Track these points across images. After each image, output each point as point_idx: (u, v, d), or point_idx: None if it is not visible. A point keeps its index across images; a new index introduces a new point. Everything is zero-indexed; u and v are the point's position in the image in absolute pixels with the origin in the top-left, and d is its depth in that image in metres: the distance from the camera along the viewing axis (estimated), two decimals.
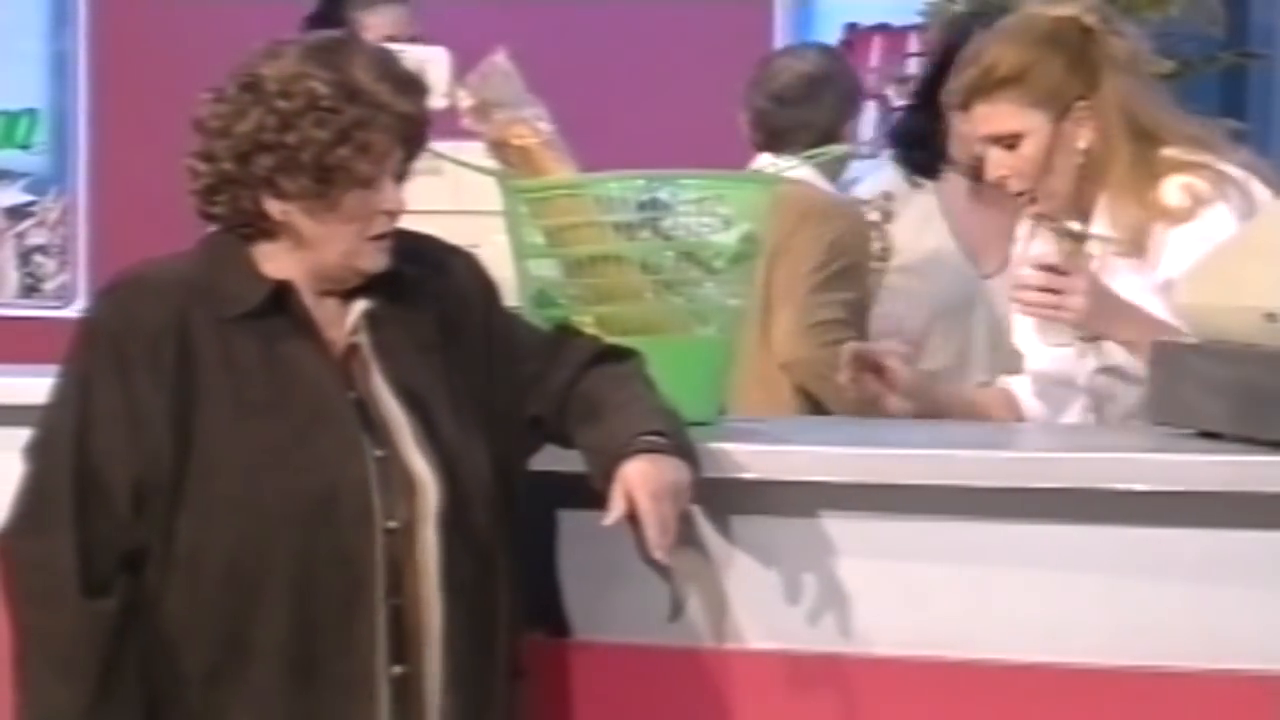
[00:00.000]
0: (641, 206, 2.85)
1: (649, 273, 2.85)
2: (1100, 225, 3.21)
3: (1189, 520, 2.64)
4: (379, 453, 2.51)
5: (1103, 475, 2.66)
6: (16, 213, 6.66)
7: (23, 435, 2.55)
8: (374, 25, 4.28)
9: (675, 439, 2.55)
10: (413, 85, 2.53)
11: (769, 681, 2.74)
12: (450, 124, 2.93)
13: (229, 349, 2.50)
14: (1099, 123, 3.19)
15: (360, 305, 2.56)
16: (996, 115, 3.20)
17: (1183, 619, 2.65)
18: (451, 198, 2.90)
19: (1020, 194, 3.24)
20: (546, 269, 2.90)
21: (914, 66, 5.72)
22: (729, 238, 2.87)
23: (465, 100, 2.87)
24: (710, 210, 2.87)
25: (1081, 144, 3.19)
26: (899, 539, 2.71)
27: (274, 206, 2.51)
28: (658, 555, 2.49)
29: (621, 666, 2.77)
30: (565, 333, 2.73)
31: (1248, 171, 3.19)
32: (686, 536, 2.61)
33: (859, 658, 2.71)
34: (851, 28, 6.36)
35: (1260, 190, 3.17)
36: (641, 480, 2.49)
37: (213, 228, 2.58)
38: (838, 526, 2.72)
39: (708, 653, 2.75)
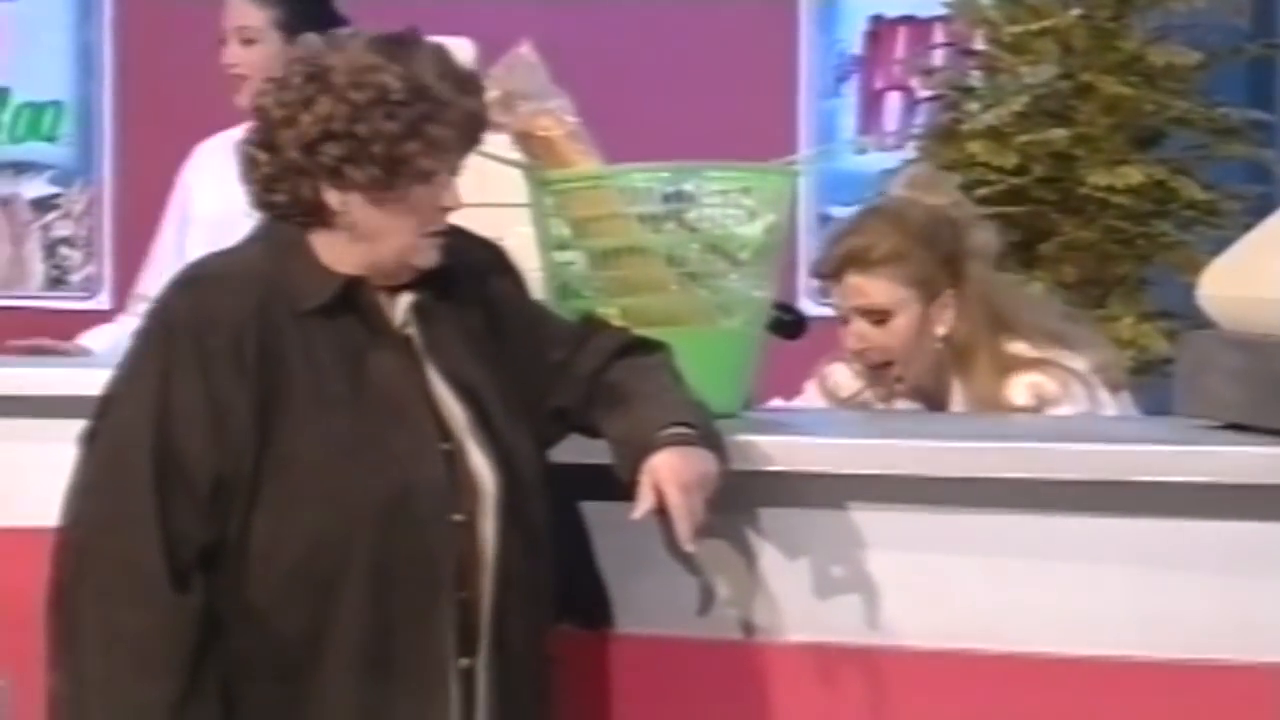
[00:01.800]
0: (666, 198, 2.85)
1: (674, 265, 2.85)
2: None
3: (1215, 512, 2.63)
4: (445, 446, 2.52)
5: (1129, 467, 2.65)
6: (42, 205, 6.65)
7: (51, 425, 2.54)
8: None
9: (703, 430, 2.54)
10: (473, 83, 2.55)
11: (796, 674, 2.74)
12: None
13: (308, 343, 2.50)
14: (962, 312, 3.31)
15: (407, 298, 2.56)
16: (870, 288, 3.31)
17: (1210, 611, 2.64)
18: (476, 190, 2.89)
19: (876, 367, 3.33)
20: (572, 261, 2.89)
21: (939, 58, 5.72)
22: (754, 229, 2.86)
23: (490, 92, 2.80)
24: (735, 202, 2.87)
25: (941, 329, 3.31)
26: (926, 531, 2.71)
27: (334, 197, 2.51)
28: (688, 547, 2.50)
29: (648, 658, 2.77)
30: (592, 324, 2.74)
31: (1098, 370, 3.31)
32: (715, 528, 2.61)
33: (887, 650, 2.71)
34: (877, 19, 6.35)
35: (1104, 394, 3.30)
36: (670, 473, 2.49)
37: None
38: (864, 519, 2.72)
39: (734, 645, 2.75)
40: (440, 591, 2.48)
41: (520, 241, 2.84)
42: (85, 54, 6.57)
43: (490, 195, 2.91)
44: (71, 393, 2.74)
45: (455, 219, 2.63)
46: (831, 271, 3.34)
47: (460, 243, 2.62)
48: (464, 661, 2.50)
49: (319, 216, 2.53)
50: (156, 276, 3.98)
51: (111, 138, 6.58)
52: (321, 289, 2.52)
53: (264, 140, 2.53)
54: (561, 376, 2.64)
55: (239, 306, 2.50)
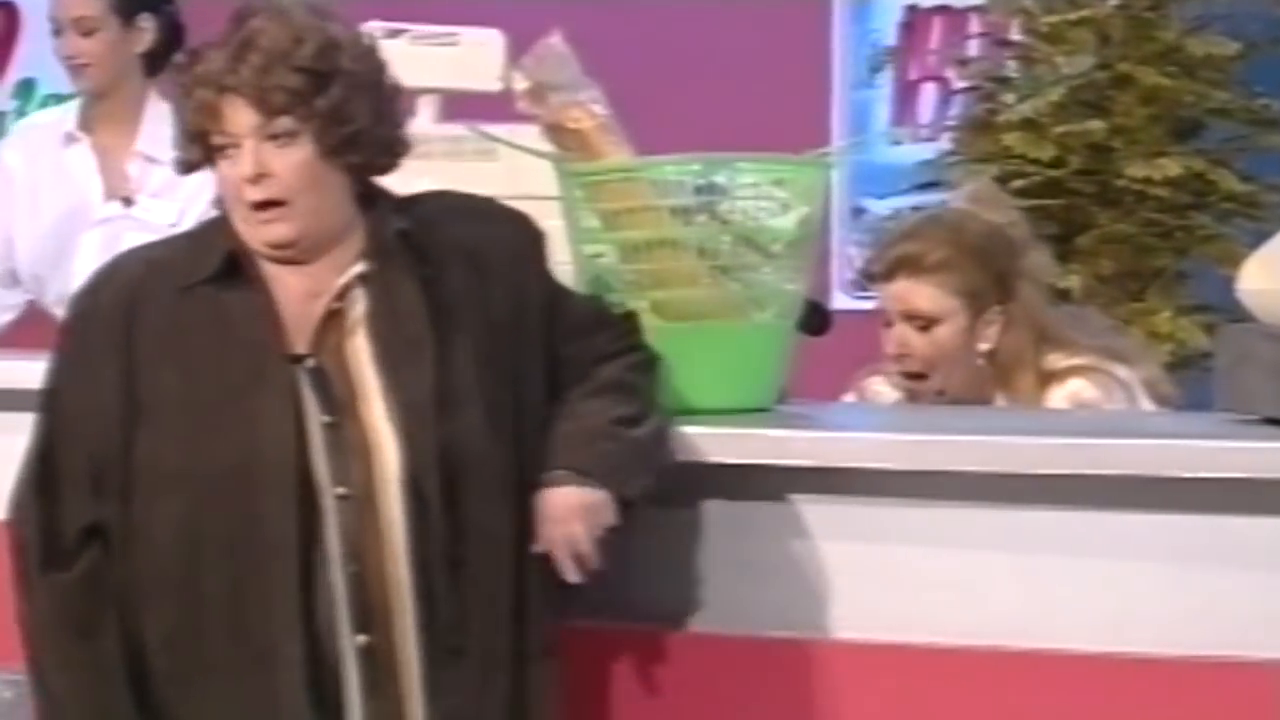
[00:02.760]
0: (698, 190, 2.83)
1: (706, 257, 2.83)
2: None
3: (1255, 508, 2.62)
4: (327, 419, 2.49)
5: (1167, 462, 2.64)
6: None
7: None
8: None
9: (592, 468, 2.54)
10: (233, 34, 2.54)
11: (826, 671, 2.73)
12: (505, 107, 2.94)
13: (178, 317, 2.52)
14: (1009, 329, 3.32)
15: (356, 269, 2.54)
16: (918, 294, 3.32)
17: (1247, 608, 2.63)
18: (506, 182, 2.88)
19: (913, 375, 3.33)
20: (602, 254, 2.87)
21: (975, 48, 5.70)
22: (786, 221, 2.85)
23: (520, 83, 2.85)
24: (768, 194, 2.85)
25: (985, 345, 3.32)
26: (958, 527, 2.70)
27: None
28: (571, 578, 2.52)
29: (692, 655, 2.77)
30: (599, 318, 2.71)
31: (1146, 384, 3.32)
32: (736, 524, 2.61)
33: (919, 648, 2.70)
34: (911, 9, 6.33)
35: (1146, 402, 3.30)
36: (549, 509, 2.53)
37: None
38: (897, 514, 2.71)
39: (760, 641, 2.75)
40: (283, 561, 2.46)
41: (550, 234, 2.81)
42: None
43: (520, 187, 2.91)
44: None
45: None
46: (883, 273, 3.36)
47: (476, 210, 2.62)
48: (360, 638, 2.48)
49: None
50: None
51: None
52: (204, 263, 2.53)
53: None
54: (563, 371, 2.63)
55: (118, 289, 2.54)
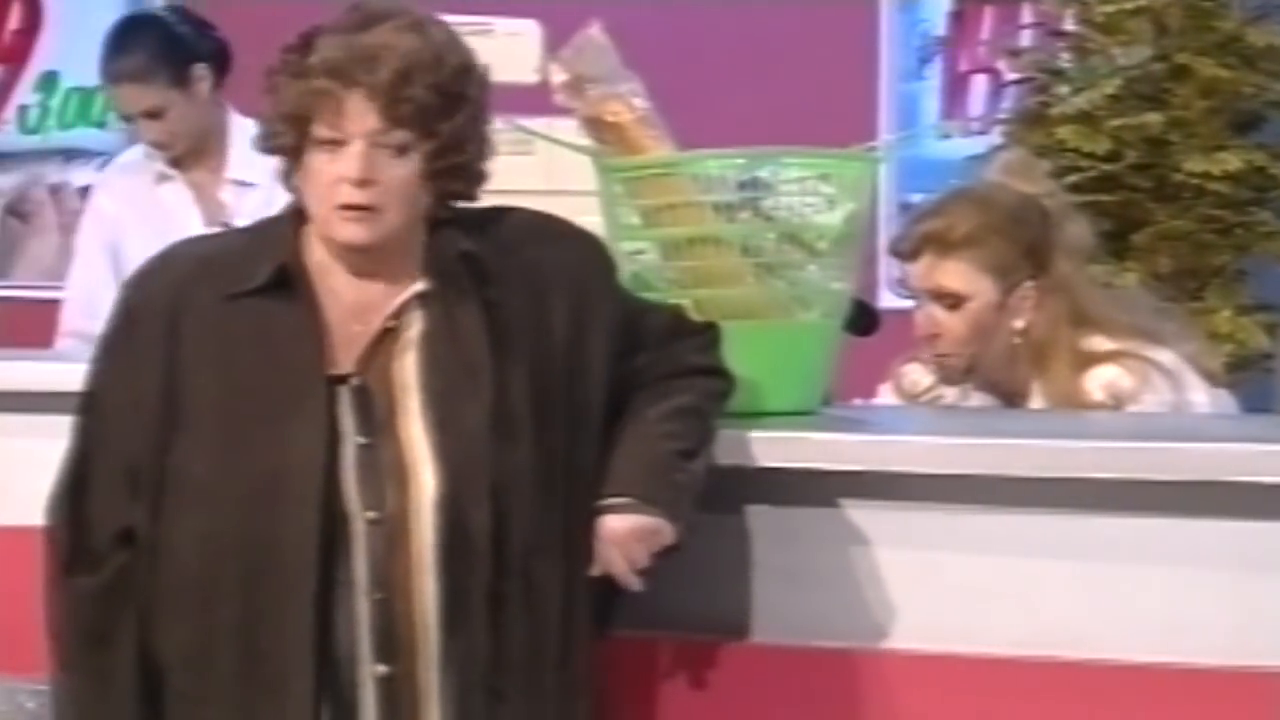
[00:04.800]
0: (742, 186, 2.81)
1: (749, 255, 2.81)
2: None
3: None
4: (362, 440, 2.46)
5: (1227, 467, 2.59)
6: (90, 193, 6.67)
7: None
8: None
9: (648, 496, 2.53)
10: (342, 29, 2.50)
11: (875, 681, 2.70)
12: (542, 100, 2.92)
13: (222, 328, 2.49)
14: (1043, 306, 3.25)
15: (417, 287, 2.51)
16: (944, 271, 3.26)
17: None
18: (544, 177, 2.88)
19: (943, 355, 3.28)
20: (642, 251, 2.85)
21: (1027, 39, 5.66)
22: (833, 218, 2.82)
23: (558, 75, 2.82)
24: (813, 190, 2.82)
25: (1019, 323, 3.25)
26: (1011, 533, 2.66)
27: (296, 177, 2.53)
28: (634, 587, 2.54)
29: (735, 666, 2.74)
30: (677, 326, 2.68)
31: (1189, 360, 3.25)
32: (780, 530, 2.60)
33: (970, 658, 2.67)
34: None
35: (1193, 379, 3.23)
36: (608, 534, 2.53)
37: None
38: (948, 520, 2.68)
39: (808, 651, 2.72)
40: (301, 585, 2.42)
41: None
42: None
43: (558, 183, 2.90)
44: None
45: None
46: (909, 250, 3.31)
47: (543, 230, 2.59)
48: (381, 668, 2.44)
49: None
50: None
51: None
52: (256, 272, 2.50)
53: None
54: (639, 379, 2.61)
55: (162, 288, 2.51)
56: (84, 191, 6.63)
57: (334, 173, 2.45)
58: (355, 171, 2.43)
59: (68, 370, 2.66)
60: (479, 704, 2.47)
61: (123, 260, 4.20)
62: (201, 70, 4.31)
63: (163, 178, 4.37)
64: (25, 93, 6.71)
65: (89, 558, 2.50)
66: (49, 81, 6.68)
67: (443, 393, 2.47)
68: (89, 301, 4.15)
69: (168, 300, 2.50)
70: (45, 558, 2.54)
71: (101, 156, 6.57)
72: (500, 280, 2.52)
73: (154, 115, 4.30)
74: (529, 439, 2.48)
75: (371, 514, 2.44)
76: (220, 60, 4.36)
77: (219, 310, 2.48)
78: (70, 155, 6.65)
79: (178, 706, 2.48)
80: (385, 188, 2.45)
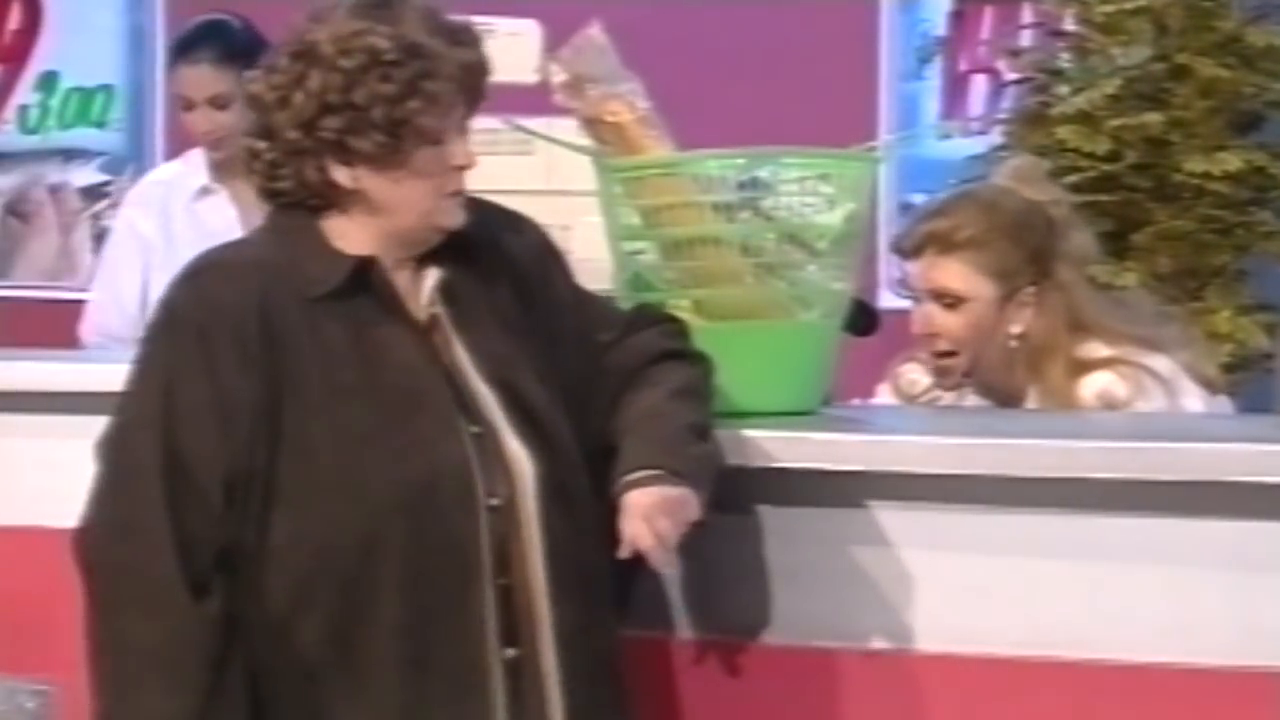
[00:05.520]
0: (741, 186, 2.81)
1: (749, 255, 2.81)
2: None
3: None
4: (475, 429, 2.49)
5: (1227, 467, 2.59)
6: (92, 193, 6.62)
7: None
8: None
9: (674, 468, 2.52)
10: (467, 34, 2.52)
11: (876, 683, 2.70)
12: (542, 100, 2.91)
13: (315, 330, 2.47)
14: (1042, 312, 3.25)
15: (435, 275, 2.53)
16: (945, 271, 3.25)
17: None
18: (543, 177, 2.87)
19: (940, 355, 3.28)
20: (642, 251, 2.85)
21: (1027, 39, 5.66)
22: (833, 218, 2.82)
23: (557, 75, 2.83)
24: (813, 190, 2.83)
25: (1017, 327, 3.24)
26: (1015, 532, 2.66)
27: (343, 174, 2.49)
28: (666, 570, 2.55)
29: (738, 666, 2.75)
30: (643, 313, 2.71)
31: (1186, 368, 3.25)
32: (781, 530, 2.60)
33: (972, 658, 2.67)
34: None
35: (1189, 386, 3.23)
36: (635, 508, 2.49)
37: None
38: (948, 520, 2.68)
39: (811, 652, 2.72)
40: (476, 579, 2.46)
41: (588, 231, 2.85)
42: (136, 36, 6.54)
43: (557, 183, 2.89)
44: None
45: (522, 207, 2.61)
46: (911, 248, 3.31)
47: (492, 216, 2.60)
48: (509, 651, 2.47)
49: (329, 198, 2.51)
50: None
51: (164, 123, 6.54)
52: (331, 273, 2.49)
53: (260, 128, 2.52)
54: (606, 359, 2.62)
55: (241, 294, 2.49)
56: (84, 192, 6.66)
57: (444, 162, 2.48)
58: (466, 159, 2.50)
59: (68, 370, 2.66)
60: (589, 682, 2.50)
61: (152, 276, 4.16)
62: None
63: (204, 192, 4.33)
64: (25, 93, 6.69)
65: (199, 581, 2.42)
66: (49, 81, 6.65)
67: (497, 375, 2.51)
68: (119, 304, 4.14)
69: (250, 305, 2.46)
70: (115, 584, 2.43)
71: (102, 156, 6.58)
72: (491, 269, 2.56)
73: (219, 105, 4.25)
74: (563, 409, 2.54)
75: (494, 500, 2.47)
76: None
77: (304, 313, 2.47)
78: (70, 155, 6.63)
79: (320, 707, 2.45)
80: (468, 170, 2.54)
